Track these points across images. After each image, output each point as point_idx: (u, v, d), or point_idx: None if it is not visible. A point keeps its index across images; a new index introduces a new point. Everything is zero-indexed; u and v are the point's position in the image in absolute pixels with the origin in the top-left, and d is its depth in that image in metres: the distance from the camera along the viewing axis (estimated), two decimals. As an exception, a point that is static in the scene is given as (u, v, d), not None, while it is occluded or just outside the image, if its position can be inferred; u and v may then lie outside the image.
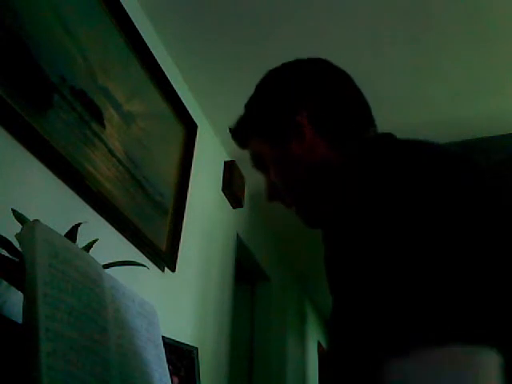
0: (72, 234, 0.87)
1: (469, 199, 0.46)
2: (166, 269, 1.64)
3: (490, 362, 0.38)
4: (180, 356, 1.37)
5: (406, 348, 0.38)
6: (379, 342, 0.41)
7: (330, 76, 0.72)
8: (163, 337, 0.92)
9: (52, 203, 1.11)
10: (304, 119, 0.68)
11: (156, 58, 1.68)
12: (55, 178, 1.12)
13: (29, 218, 0.77)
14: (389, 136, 0.64)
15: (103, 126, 1.34)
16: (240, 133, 0.80)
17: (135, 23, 1.55)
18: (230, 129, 0.82)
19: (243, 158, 2.48)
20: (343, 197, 0.54)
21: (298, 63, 0.75)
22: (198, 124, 2.00)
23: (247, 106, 0.79)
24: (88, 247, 0.91)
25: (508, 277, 0.42)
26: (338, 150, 0.67)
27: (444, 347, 0.37)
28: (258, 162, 0.77)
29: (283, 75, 0.75)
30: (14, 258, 0.74)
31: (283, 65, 0.76)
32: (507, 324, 0.40)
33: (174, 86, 1.81)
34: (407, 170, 0.49)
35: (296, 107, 0.70)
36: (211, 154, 2.26)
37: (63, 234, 0.79)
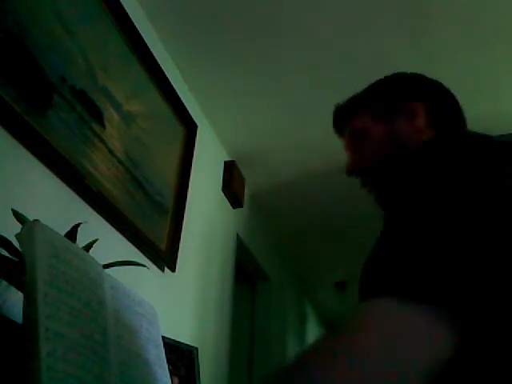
0: (72, 234, 0.87)
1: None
2: (166, 269, 1.64)
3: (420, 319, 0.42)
4: (180, 356, 1.37)
5: (368, 294, 0.47)
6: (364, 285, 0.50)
7: (439, 85, 0.82)
8: (163, 337, 0.92)
9: (52, 203, 1.11)
10: (420, 107, 0.76)
11: (156, 57, 1.68)
12: (55, 177, 1.12)
13: (29, 218, 0.77)
14: (475, 136, 0.69)
15: (103, 126, 1.34)
16: (351, 106, 0.86)
17: (135, 23, 1.55)
18: (337, 105, 0.89)
19: (243, 157, 2.50)
20: (404, 182, 0.61)
21: (418, 75, 0.84)
22: (198, 124, 2.00)
23: (366, 88, 0.86)
24: (88, 247, 0.91)
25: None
26: (439, 138, 0.73)
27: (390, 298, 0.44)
28: (356, 138, 0.82)
29: (405, 75, 0.85)
30: (14, 258, 0.74)
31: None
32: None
33: (174, 85, 1.81)
34: (469, 174, 0.53)
35: (414, 97, 0.78)
36: (211, 154, 2.26)
37: (63, 234, 0.79)
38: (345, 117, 0.86)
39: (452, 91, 0.81)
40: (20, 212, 0.79)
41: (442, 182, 0.53)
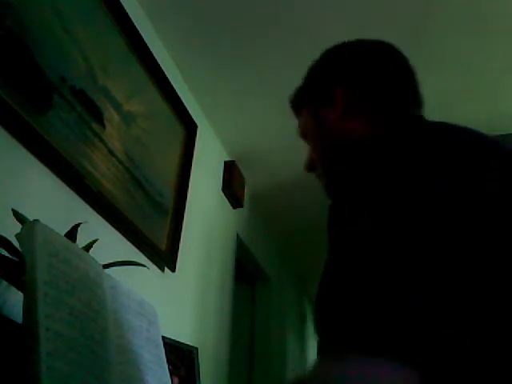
0: (72, 234, 0.87)
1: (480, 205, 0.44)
2: (166, 269, 1.64)
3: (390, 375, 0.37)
4: (180, 356, 1.37)
5: (332, 350, 0.41)
6: (320, 334, 0.46)
7: (376, 56, 0.75)
8: (163, 337, 0.92)
9: (52, 203, 1.11)
10: (340, 91, 0.71)
11: (156, 57, 1.68)
12: (55, 177, 1.12)
13: (29, 218, 0.77)
14: (420, 119, 0.64)
15: (103, 126, 1.34)
16: (294, 102, 0.86)
17: (135, 23, 1.55)
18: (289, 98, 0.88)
19: (243, 157, 2.50)
20: (348, 172, 0.56)
21: (352, 43, 0.79)
22: (198, 124, 2.00)
23: (304, 80, 0.84)
24: (88, 247, 0.91)
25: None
26: (373, 126, 0.68)
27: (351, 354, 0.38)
28: (303, 133, 0.82)
29: (333, 52, 0.79)
30: (14, 258, 0.74)
31: (340, 43, 0.80)
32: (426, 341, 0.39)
33: (174, 85, 1.81)
34: (420, 162, 0.48)
35: (337, 80, 0.73)
36: (211, 154, 2.26)
37: (63, 234, 0.79)
38: (294, 112, 0.86)
39: (403, 56, 0.74)
40: (20, 212, 0.79)
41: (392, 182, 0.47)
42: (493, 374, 0.39)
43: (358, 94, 0.71)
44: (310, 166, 0.81)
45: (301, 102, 0.82)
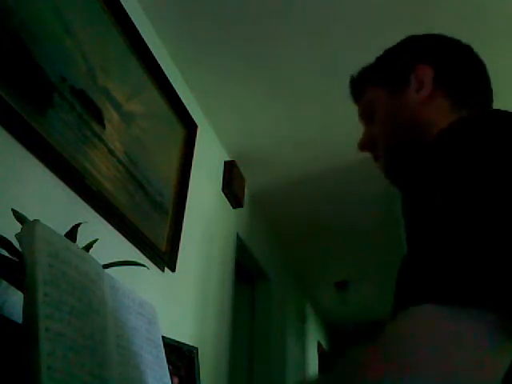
0: (72, 234, 0.87)
1: None
2: (166, 269, 1.64)
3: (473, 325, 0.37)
4: (180, 356, 1.37)
5: (413, 301, 0.40)
6: (401, 293, 0.44)
7: (459, 46, 0.73)
8: (163, 337, 0.92)
9: (52, 203, 1.11)
10: (428, 71, 0.68)
11: (156, 57, 1.68)
12: (55, 177, 1.12)
13: (29, 218, 0.77)
14: (497, 113, 0.63)
15: (103, 126, 1.34)
16: (361, 79, 0.81)
17: (135, 23, 1.55)
18: (351, 77, 0.82)
19: (243, 157, 2.50)
20: (422, 161, 0.53)
21: (436, 35, 0.76)
22: (198, 124, 2.00)
23: (376, 59, 0.81)
24: (88, 247, 0.91)
25: None
26: (451, 117, 0.63)
27: (443, 306, 0.38)
28: (366, 111, 0.78)
29: (417, 36, 0.76)
30: (14, 258, 0.74)
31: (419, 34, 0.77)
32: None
33: (174, 85, 1.81)
34: (496, 156, 0.45)
35: (421, 60, 0.70)
36: (211, 153, 2.26)
37: (63, 234, 0.79)
38: (356, 90, 0.82)
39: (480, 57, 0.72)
40: (20, 212, 0.79)
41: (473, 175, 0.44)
42: None
43: (445, 80, 0.68)
44: (368, 146, 0.77)
45: (370, 79, 0.78)
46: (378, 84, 0.76)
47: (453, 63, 0.70)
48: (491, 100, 0.72)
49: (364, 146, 0.78)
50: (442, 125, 0.57)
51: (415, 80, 0.69)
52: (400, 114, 0.70)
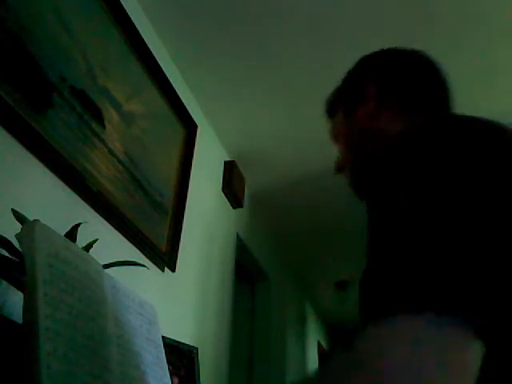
0: (72, 234, 0.87)
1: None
2: (166, 269, 1.64)
3: (459, 337, 0.37)
4: (180, 356, 1.37)
5: (384, 313, 0.40)
6: (369, 304, 0.43)
7: (403, 57, 0.80)
8: (163, 337, 0.92)
9: (52, 203, 1.11)
10: (371, 88, 0.76)
11: (156, 57, 1.68)
12: (55, 178, 1.12)
13: (29, 218, 0.77)
14: (447, 115, 0.65)
15: (103, 126, 1.34)
16: (330, 103, 0.88)
17: (135, 23, 1.55)
18: (326, 98, 0.90)
19: (243, 157, 2.50)
20: (380, 167, 0.55)
21: (386, 49, 0.83)
22: (198, 124, 2.00)
23: (342, 81, 0.87)
24: (88, 247, 0.91)
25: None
26: (402, 124, 0.70)
27: (417, 316, 0.38)
28: (335, 135, 0.85)
29: (367, 56, 0.84)
30: (14, 258, 0.74)
31: (375, 51, 0.85)
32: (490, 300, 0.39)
33: (174, 86, 1.81)
34: (451, 157, 0.47)
35: (367, 79, 0.78)
36: (211, 154, 2.26)
37: (63, 234, 0.79)
38: (328, 114, 0.88)
39: (436, 64, 0.76)
40: (20, 212, 0.79)
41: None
42: None
43: (386, 94, 0.74)
44: (340, 167, 0.83)
45: (335, 103, 0.85)
46: (340, 106, 0.83)
47: (394, 76, 0.76)
48: (448, 100, 0.75)
49: (337, 168, 0.84)
50: (391, 132, 0.65)
51: (363, 98, 0.77)
52: (354, 131, 0.78)
